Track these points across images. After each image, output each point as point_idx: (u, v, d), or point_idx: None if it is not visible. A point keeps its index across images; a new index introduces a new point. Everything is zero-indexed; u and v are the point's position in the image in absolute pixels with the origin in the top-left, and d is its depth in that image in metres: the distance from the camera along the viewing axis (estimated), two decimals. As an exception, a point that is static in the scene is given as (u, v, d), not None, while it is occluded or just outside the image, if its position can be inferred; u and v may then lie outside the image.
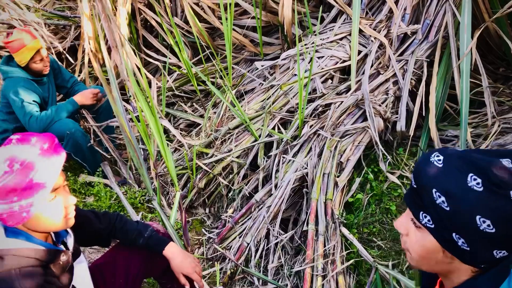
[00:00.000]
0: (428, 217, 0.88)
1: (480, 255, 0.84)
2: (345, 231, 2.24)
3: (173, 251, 1.69)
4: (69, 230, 1.42)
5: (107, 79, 2.48)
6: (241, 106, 2.83)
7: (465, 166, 0.83)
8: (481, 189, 0.80)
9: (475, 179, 0.81)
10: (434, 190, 0.85)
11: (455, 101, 2.74)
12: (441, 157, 0.87)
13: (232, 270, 2.30)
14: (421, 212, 0.89)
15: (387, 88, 2.75)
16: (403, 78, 2.74)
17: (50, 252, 1.28)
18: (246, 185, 2.66)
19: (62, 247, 1.39)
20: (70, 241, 1.40)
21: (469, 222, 0.81)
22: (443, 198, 0.84)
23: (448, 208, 0.83)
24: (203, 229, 2.64)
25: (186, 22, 3.61)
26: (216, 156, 2.70)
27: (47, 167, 1.19)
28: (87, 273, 1.51)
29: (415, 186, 0.90)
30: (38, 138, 1.23)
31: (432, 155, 0.89)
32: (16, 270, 1.20)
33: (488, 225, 0.80)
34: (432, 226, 0.88)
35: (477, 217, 0.80)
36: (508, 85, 3.05)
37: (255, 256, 2.32)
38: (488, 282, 0.89)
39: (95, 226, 1.62)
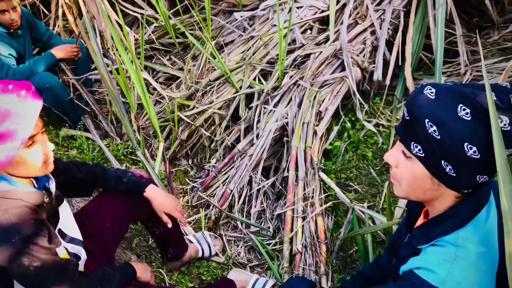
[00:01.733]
0: (419, 147, 0.95)
1: (464, 180, 0.93)
2: (323, 176, 2.34)
3: (153, 192, 1.75)
4: (50, 175, 1.45)
5: (86, 32, 2.44)
6: (222, 58, 2.84)
7: (456, 97, 0.90)
8: (469, 118, 0.88)
9: (464, 109, 0.88)
10: (426, 120, 0.91)
11: (431, 51, 2.81)
12: (434, 90, 0.93)
13: (216, 216, 2.40)
14: (412, 143, 0.96)
15: (365, 38, 2.79)
16: (381, 28, 2.78)
17: (34, 194, 1.33)
18: (228, 136, 2.72)
19: (50, 191, 1.43)
20: (52, 185, 1.44)
21: (458, 149, 0.89)
22: (434, 128, 0.90)
23: (439, 137, 0.90)
24: (187, 179, 2.71)
25: (162, -28, 3.52)
26: (197, 108, 2.73)
27: (24, 114, 1.21)
28: (71, 216, 1.57)
29: (407, 117, 0.96)
30: (14, 85, 1.25)
31: (425, 88, 0.94)
32: (4, 211, 1.24)
33: (474, 151, 0.88)
34: (423, 155, 0.95)
35: (465, 144, 0.88)
36: (482, 35, 3.12)
37: (238, 202, 2.42)
38: (469, 208, 0.99)
39: (74, 174, 1.67)
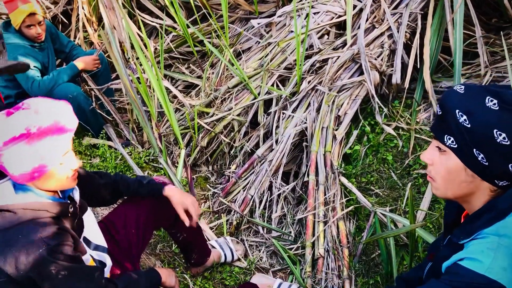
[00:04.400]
0: (452, 138, 1.01)
1: (497, 168, 0.97)
2: (344, 180, 2.35)
3: (172, 190, 1.79)
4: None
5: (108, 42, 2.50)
6: (240, 65, 2.87)
7: (483, 91, 0.98)
8: (497, 108, 0.95)
9: (491, 100, 0.96)
10: (457, 111, 0.98)
11: (449, 53, 2.80)
12: (463, 86, 1.02)
13: (237, 221, 2.42)
14: (446, 135, 1.02)
15: (382, 41, 2.80)
16: (398, 31, 2.78)
17: (59, 205, 1.37)
18: (247, 142, 2.75)
19: (74, 200, 1.47)
20: (77, 195, 1.49)
21: (488, 136, 0.94)
22: (465, 117, 0.97)
23: (469, 125, 0.96)
24: (207, 185, 2.74)
25: (179, -18, 3.58)
26: (217, 115, 2.76)
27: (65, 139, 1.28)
28: (95, 224, 1.61)
29: (440, 112, 1.03)
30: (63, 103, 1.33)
31: (455, 86, 1.04)
32: (29, 222, 1.28)
33: (504, 138, 0.94)
34: (455, 146, 1.01)
35: (494, 130, 0.94)
36: (501, 35, 3.09)
37: (259, 207, 2.43)
38: (506, 200, 1.02)
39: (97, 181, 1.72)
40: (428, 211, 2.24)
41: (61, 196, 1.46)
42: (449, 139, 1.01)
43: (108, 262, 1.60)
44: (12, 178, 1.28)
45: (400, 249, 2.08)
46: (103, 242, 1.60)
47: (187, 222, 1.82)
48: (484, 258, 0.98)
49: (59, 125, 1.27)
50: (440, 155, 1.06)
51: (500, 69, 2.76)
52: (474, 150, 0.97)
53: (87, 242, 1.53)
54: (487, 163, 0.97)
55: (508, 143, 0.93)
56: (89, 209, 1.58)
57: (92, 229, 1.57)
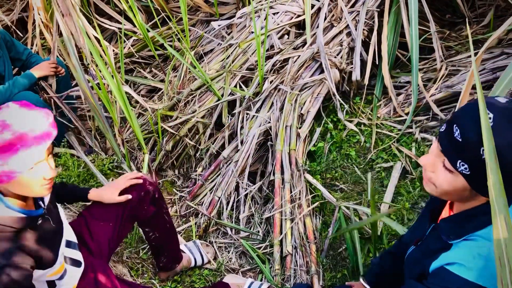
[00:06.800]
0: (466, 166, 0.94)
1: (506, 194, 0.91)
2: (309, 177, 2.38)
3: (95, 192, 1.79)
4: None
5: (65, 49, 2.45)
6: (202, 67, 2.86)
7: None
8: None
9: None
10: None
11: (406, 48, 2.88)
12: (491, 116, 0.90)
13: (206, 224, 2.41)
14: (459, 161, 0.95)
15: (341, 39, 2.85)
16: (356, 29, 2.84)
17: (24, 220, 1.34)
18: (213, 143, 2.74)
19: (41, 204, 1.45)
20: (47, 197, 1.47)
21: (508, 173, 0.88)
22: None
23: None
24: (174, 189, 2.72)
25: (138, -14, 3.55)
26: (180, 118, 2.75)
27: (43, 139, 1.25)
28: (65, 220, 1.59)
29: (460, 139, 0.93)
30: (46, 112, 1.31)
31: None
32: None
33: None
34: (468, 173, 0.95)
35: None
36: (455, 30, 3.20)
37: (226, 208, 2.43)
38: None
39: None
40: (391, 203, 2.30)
41: (34, 203, 1.44)
42: (463, 165, 0.95)
43: (81, 259, 1.60)
44: None
45: (366, 242, 2.12)
46: (73, 238, 1.60)
47: (130, 196, 1.79)
48: (475, 265, 0.97)
49: (32, 135, 1.24)
50: (445, 171, 1.00)
51: (455, 63, 2.86)
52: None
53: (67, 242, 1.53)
54: None
55: None
56: (58, 205, 1.57)
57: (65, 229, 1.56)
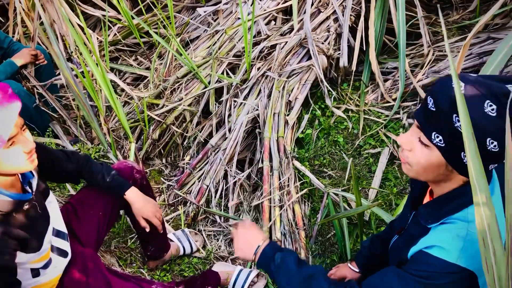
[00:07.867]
0: (440, 137, 0.97)
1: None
2: (297, 164, 2.37)
3: (134, 195, 1.75)
4: (33, 172, 1.45)
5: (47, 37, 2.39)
6: (188, 54, 2.82)
7: (484, 93, 0.92)
8: (495, 114, 0.91)
9: (490, 105, 0.91)
10: (454, 115, 0.92)
11: (393, 34, 2.87)
12: (463, 85, 0.93)
13: (194, 212, 2.40)
14: (434, 133, 0.97)
15: (328, 25, 2.83)
16: (343, 15, 2.82)
17: (11, 203, 1.32)
18: (200, 132, 2.72)
19: (28, 190, 1.42)
20: (34, 182, 1.44)
21: (480, 143, 0.90)
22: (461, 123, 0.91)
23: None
24: (161, 178, 2.70)
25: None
26: (167, 106, 2.71)
27: (1, 116, 1.20)
28: (57, 209, 1.58)
29: (433, 109, 0.96)
30: None
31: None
32: None
33: (495, 146, 0.92)
34: (443, 145, 0.97)
35: (488, 139, 0.91)
36: (442, 15, 3.20)
37: (215, 196, 2.42)
38: None
39: (64, 165, 1.68)
40: (379, 189, 2.31)
41: (21, 181, 1.41)
42: (437, 137, 0.97)
43: (68, 250, 1.58)
44: None
45: (354, 228, 2.13)
46: (64, 228, 1.58)
47: (147, 229, 1.80)
48: (454, 246, 0.98)
49: None
50: (421, 146, 1.02)
51: (441, 48, 2.87)
52: (462, 153, 0.94)
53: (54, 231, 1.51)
54: None
55: (497, 149, 0.93)
56: (51, 193, 1.54)
57: (53, 214, 1.53)
